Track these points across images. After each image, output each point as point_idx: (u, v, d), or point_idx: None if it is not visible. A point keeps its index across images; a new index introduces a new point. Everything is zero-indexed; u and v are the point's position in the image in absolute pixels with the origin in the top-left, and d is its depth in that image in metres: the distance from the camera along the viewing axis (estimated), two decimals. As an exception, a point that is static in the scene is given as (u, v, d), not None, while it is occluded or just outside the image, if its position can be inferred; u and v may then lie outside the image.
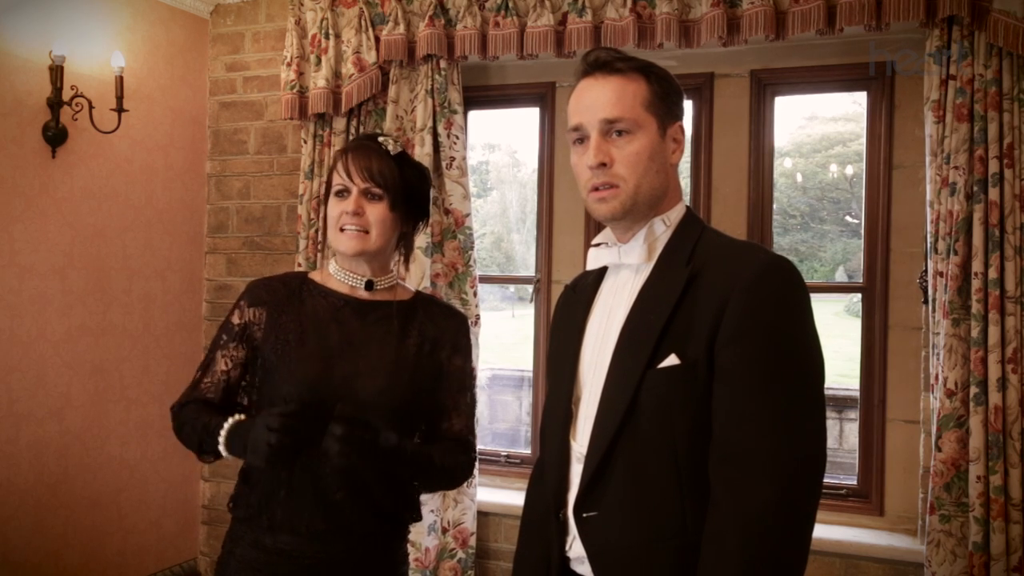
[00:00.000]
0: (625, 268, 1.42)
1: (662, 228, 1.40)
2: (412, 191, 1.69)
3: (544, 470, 1.49)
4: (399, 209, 1.66)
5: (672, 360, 1.27)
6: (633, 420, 1.29)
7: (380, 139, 1.68)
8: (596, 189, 1.37)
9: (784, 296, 1.26)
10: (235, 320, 1.69)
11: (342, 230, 1.63)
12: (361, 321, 1.68)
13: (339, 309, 1.68)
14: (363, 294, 1.71)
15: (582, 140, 1.39)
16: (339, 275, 1.70)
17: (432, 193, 3.20)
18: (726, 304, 1.24)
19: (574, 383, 1.42)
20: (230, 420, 1.58)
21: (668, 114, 1.38)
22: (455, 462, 1.72)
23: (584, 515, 1.34)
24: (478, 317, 3.24)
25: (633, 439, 1.29)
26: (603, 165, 1.34)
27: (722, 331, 1.24)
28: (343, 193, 1.64)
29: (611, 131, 1.35)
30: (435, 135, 3.20)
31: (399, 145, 1.68)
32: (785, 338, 1.25)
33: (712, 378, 1.25)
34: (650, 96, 1.36)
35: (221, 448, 1.57)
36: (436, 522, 3.20)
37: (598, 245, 1.47)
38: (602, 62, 1.38)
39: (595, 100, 1.36)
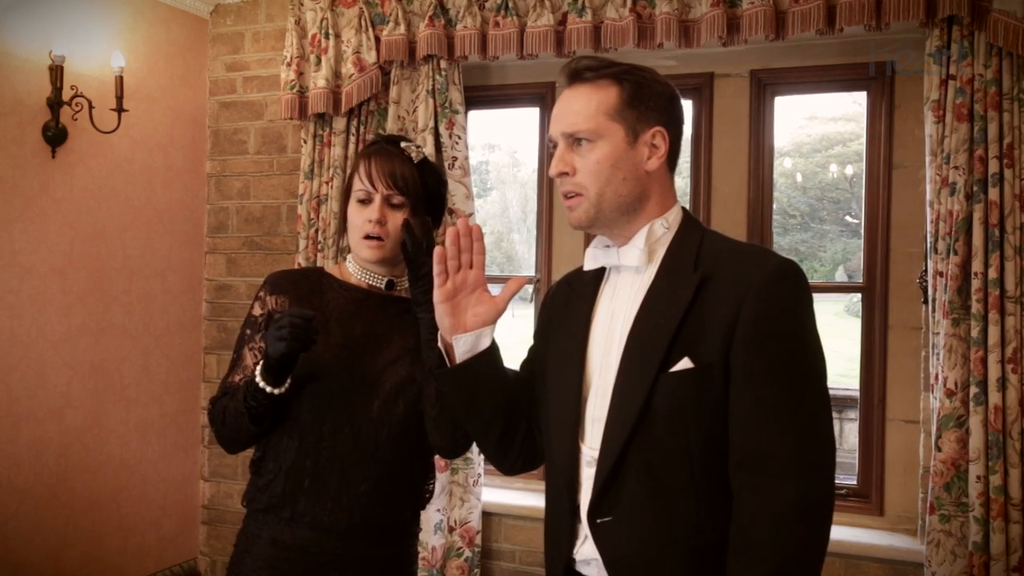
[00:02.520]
0: (626, 269, 1.42)
1: (662, 230, 1.40)
2: (432, 197, 1.71)
3: (552, 471, 1.48)
4: (420, 216, 1.67)
5: (686, 363, 1.27)
6: (646, 423, 1.29)
7: (403, 144, 1.68)
8: (566, 198, 1.40)
9: (797, 300, 1.29)
10: (257, 312, 1.69)
11: (365, 237, 1.64)
12: (383, 313, 1.70)
13: (361, 302, 1.70)
14: (383, 290, 1.72)
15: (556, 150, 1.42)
16: (359, 274, 1.72)
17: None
18: (740, 308, 1.25)
19: (581, 384, 1.41)
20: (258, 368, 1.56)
21: (640, 120, 1.37)
22: None
23: (598, 520, 1.33)
24: None
25: (646, 443, 1.29)
26: (564, 174, 1.38)
27: (738, 335, 1.25)
28: (365, 200, 1.65)
29: (574, 141, 1.37)
30: (437, 135, 3.20)
31: (421, 152, 1.69)
32: (801, 342, 1.27)
33: (727, 381, 1.26)
34: (617, 103, 1.36)
35: (259, 380, 1.54)
36: (443, 521, 3.20)
37: (595, 246, 1.48)
38: (573, 72, 1.40)
39: (561, 111, 1.40)
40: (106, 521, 3.38)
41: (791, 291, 1.28)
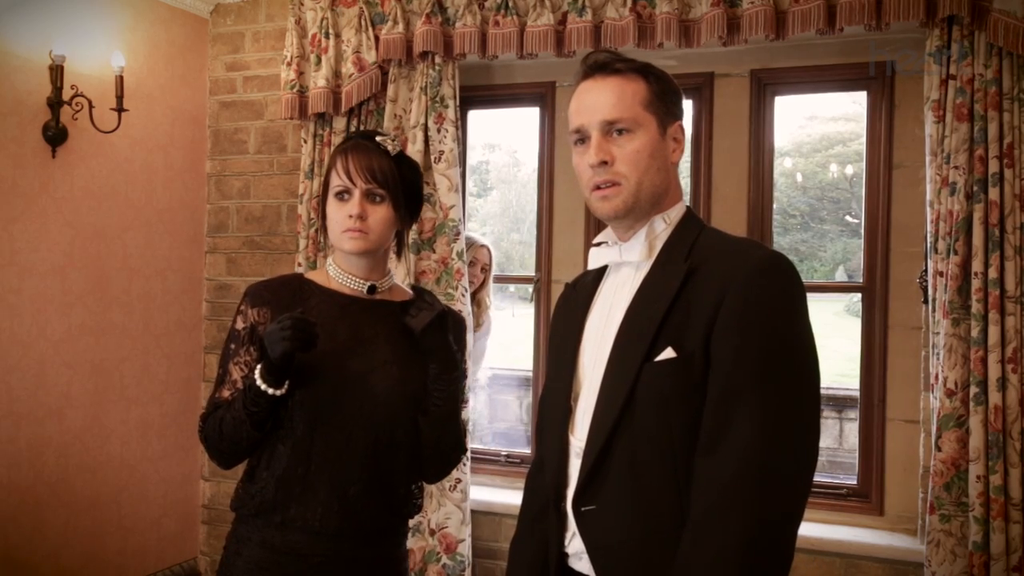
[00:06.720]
0: (625, 266, 1.43)
1: (662, 226, 1.41)
2: (411, 190, 1.71)
3: (543, 466, 1.50)
4: (400, 210, 1.67)
5: (669, 353, 1.28)
6: (631, 413, 1.30)
7: (378, 139, 1.67)
8: (598, 188, 1.38)
9: (780, 292, 1.28)
10: (239, 326, 1.68)
11: (345, 231, 1.64)
12: (368, 317, 1.69)
13: (345, 307, 1.69)
14: (365, 295, 1.72)
15: (583, 141, 1.40)
16: (340, 278, 1.71)
17: (426, 190, 3.20)
18: (723, 298, 1.25)
19: (573, 379, 1.43)
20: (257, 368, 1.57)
21: (667, 113, 1.40)
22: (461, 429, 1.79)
23: (582, 509, 1.35)
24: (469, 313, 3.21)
25: (631, 432, 1.30)
26: (604, 163, 1.36)
27: (718, 324, 1.25)
28: (344, 195, 1.64)
29: (612, 130, 1.37)
30: (426, 130, 3.19)
31: (397, 145, 1.69)
32: (779, 333, 1.26)
33: (707, 371, 1.26)
34: (649, 95, 1.38)
35: (259, 383, 1.54)
36: (421, 523, 3.18)
37: (599, 244, 1.49)
38: (601, 64, 1.40)
39: (595, 101, 1.38)
40: (106, 521, 3.39)
41: (776, 283, 1.28)
